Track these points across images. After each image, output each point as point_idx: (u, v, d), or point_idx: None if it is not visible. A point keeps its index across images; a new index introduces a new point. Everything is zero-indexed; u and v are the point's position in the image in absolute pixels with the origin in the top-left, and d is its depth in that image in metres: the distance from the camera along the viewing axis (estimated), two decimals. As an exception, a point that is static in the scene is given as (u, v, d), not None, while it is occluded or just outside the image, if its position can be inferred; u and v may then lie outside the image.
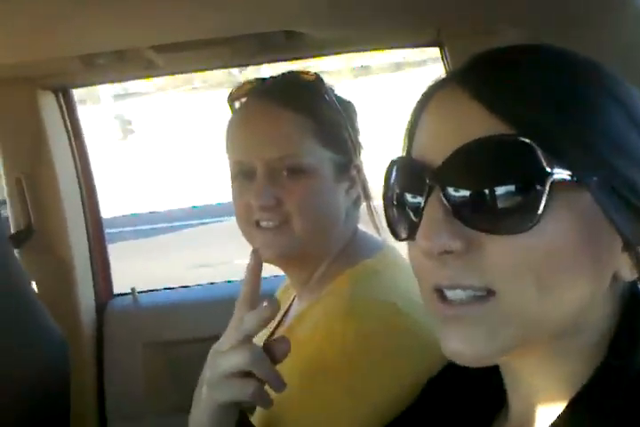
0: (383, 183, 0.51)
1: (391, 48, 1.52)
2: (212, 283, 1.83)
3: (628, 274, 0.46)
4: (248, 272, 0.73)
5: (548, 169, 0.41)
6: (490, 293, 0.44)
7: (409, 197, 0.48)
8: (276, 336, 0.89)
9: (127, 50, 1.28)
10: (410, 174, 0.48)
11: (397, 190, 0.50)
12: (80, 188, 1.64)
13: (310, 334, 0.83)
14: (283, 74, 0.92)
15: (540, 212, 0.41)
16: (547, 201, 0.41)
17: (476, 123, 0.44)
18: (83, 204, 1.65)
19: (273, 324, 0.95)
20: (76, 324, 1.60)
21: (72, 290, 1.61)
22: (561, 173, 0.42)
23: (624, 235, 0.44)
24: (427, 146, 0.47)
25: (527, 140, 0.42)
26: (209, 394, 0.68)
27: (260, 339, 0.95)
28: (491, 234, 0.43)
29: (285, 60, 1.51)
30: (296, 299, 0.95)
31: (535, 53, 0.48)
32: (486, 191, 0.43)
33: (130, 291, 1.71)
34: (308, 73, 0.90)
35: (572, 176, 0.42)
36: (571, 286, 0.44)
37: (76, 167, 1.63)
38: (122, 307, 1.70)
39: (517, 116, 0.43)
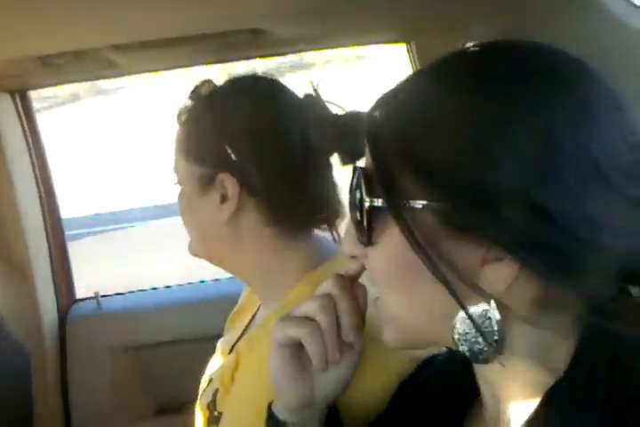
0: None
1: (357, 45, 1.53)
2: (177, 285, 1.81)
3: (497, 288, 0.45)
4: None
5: (366, 197, 0.49)
6: None
7: None
8: (240, 343, 0.89)
9: (87, 49, 1.25)
10: None
11: None
12: (39, 192, 1.60)
13: None
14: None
15: (366, 230, 0.50)
16: (368, 224, 0.50)
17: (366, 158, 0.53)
18: (42, 208, 1.61)
19: (240, 330, 0.93)
20: (38, 332, 1.56)
21: (32, 297, 1.57)
22: (376, 202, 0.49)
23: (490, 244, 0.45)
24: None
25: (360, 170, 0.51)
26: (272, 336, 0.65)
27: (227, 345, 0.94)
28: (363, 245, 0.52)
29: (249, 59, 1.50)
30: (261, 307, 0.93)
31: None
32: (355, 208, 0.51)
33: (93, 295, 1.68)
34: (200, 84, 0.87)
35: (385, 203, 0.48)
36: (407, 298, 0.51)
37: (33, 171, 1.59)
38: (85, 312, 1.66)
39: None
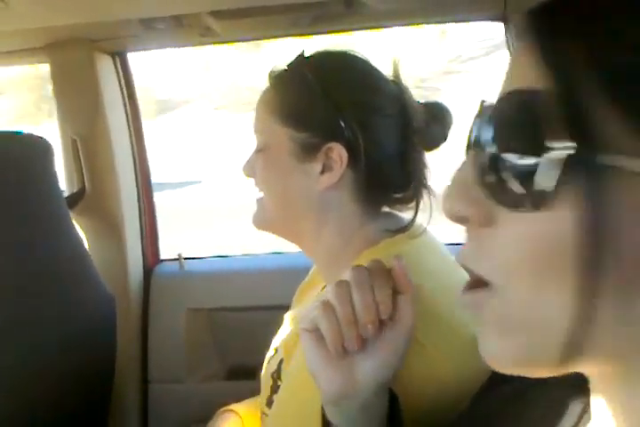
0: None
1: (453, 21, 1.47)
2: (258, 254, 1.84)
3: None
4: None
5: (572, 144, 0.33)
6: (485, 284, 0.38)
7: None
8: None
9: (186, 15, 1.27)
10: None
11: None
12: (132, 152, 1.66)
13: None
14: (299, 54, 0.89)
15: (551, 191, 0.34)
16: (562, 182, 0.33)
17: (524, 72, 0.36)
18: (135, 168, 1.67)
19: (307, 303, 0.94)
20: (123, 285, 1.64)
21: (121, 252, 1.64)
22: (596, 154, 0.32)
23: None
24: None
25: (571, 103, 0.33)
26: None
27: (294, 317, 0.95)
28: (505, 207, 0.36)
29: (344, 31, 1.47)
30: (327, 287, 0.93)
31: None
32: (511, 154, 0.35)
33: (176, 257, 1.74)
34: (303, 54, 0.88)
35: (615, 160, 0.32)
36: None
37: (129, 131, 1.65)
38: (168, 272, 1.73)
39: (564, 71, 0.34)
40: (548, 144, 0.33)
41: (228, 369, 1.67)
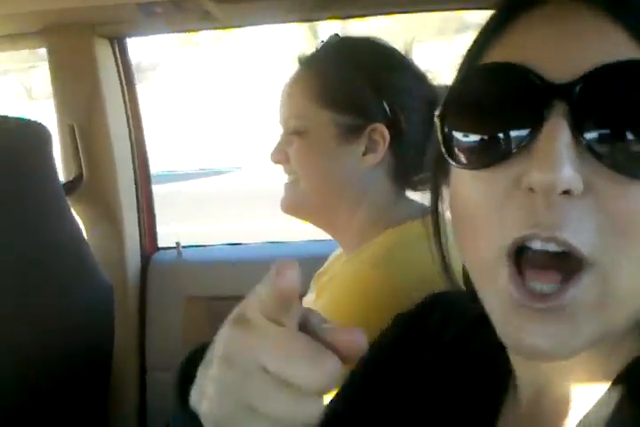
0: (446, 98, 0.42)
1: (477, 8, 1.44)
2: (255, 243, 1.84)
3: None
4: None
5: None
6: (587, 262, 0.36)
7: (501, 113, 0.39)
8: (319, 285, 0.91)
9: (185, -1, 1.25)
10: (509, 85, 0.38)
11: (475, 105, 0.40)
12: (130, 138, 1.64)
13: (342, 278, 0.84)
14: (328, 40, 0.93)
15: None
16: None
17: (612, 44, 0.36)
18: (132, 154, 1.65)
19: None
20: (121, 273, 1.63)
21: (119, 240, 1.63)
22: None
23: None
24: (538, 56, 0.38)
25: None
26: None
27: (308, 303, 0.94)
28: (625, 176, 0.35)
29: (346, 18, 1.45)
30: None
31: None
32: (633, 122, 0.35)
33: (174, 245, 1.73)
34: (338, 37, 0.92)
35: None
36: None
37: (127, 117, 1.63)
38: (166, 260, 1.72)
39: None
40: None
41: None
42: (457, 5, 1.44)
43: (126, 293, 1.64)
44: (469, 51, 0.44)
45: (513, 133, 0.37)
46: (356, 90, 0.85)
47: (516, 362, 0.47)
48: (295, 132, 0.87)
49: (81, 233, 1.38)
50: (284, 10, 1.35)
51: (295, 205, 0.90)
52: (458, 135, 0.40)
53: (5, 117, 1.26)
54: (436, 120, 0.42)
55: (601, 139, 0.35)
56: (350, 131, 0.85)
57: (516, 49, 0.39)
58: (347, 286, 0.79)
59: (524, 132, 0.37)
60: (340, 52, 0.89)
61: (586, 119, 0.36)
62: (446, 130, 0.41)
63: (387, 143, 0.85)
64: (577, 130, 0.35)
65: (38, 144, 1.27)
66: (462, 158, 0.40)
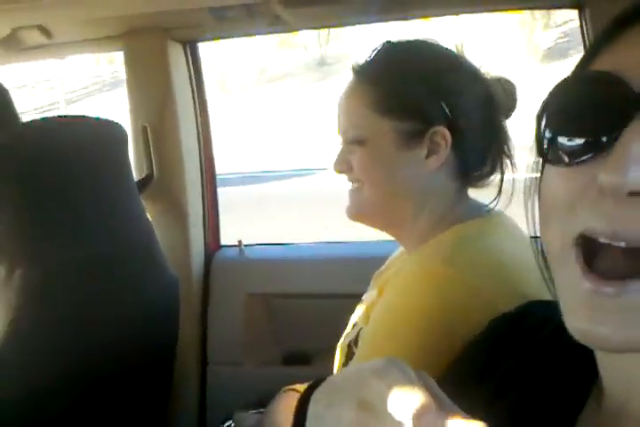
0: (546, 100, 0.45)
1: (527, 8, 1.43)
2: (315, 243, 1.86)
3: None
4: None
5: None
6: None
7: (589, 118, 0.41)
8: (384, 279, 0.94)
9: (256, 4, 1.28)
10: (600, 92, 0.41)
11: (570, 109, 0.43)
12: (198, 140, 1.70)
13: (403, 280, 0.84)
14: (378, 47, 0.93)
15: None
16: None
17: None
18: (200, 155, 1.70)
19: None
20: (186, 269, 1.68)
21: (185, 236, 1.69)
22: None
23: None
24: (630, 65, 0.40)
25: None
26: None
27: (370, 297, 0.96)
28: None
29: (412, 18, 1.45)
30: None
31: None
32: None
33: (237, 243, 1.77)
34: (390, 43, 0.92)
35: None
36: None
37: (196, 120, 1.69)
38: (228, 258, 1.77)
39: None
40: None
41: (284, 355, 1.69)
42: (517, 5, 1.43)
43: (190, 288, 1.69)
44: (582, 57, 0.47)
45: (597, 137, 0.40)
46: (413, 95, 0.86)
47: (603, 363, 0.48)
48: (356, 142, 0.88)
49: (152, 230, 1.44)
50: (352, 12, 1.37)
51: (361, 211, 0.92)
52: (548, 134, 0.44)
53: (85, 117, 1.32)
54: (535, 118, 0.45)
55: None
56: (412, 136, 0.86)
57: (613, 60, 0.42)
58: (418, 283, 0.79)
59: (605, 137, 0.39)
60: (393, 58, 0.89)
61: None
62: (541, 128, 0.44)
63: (449, 145, 0.86)
64: None
65: (116, 143, 1.33)
66: (553, 155, 0.43)
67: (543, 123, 0.44)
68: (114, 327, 1.24)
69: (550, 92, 0.44)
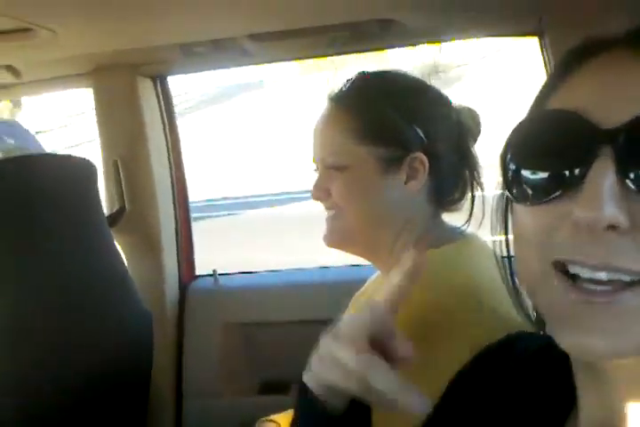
0: (508, 139, 0.46)
1: (487, 36, 1.49)
2: (290, 269, 1.87)
3: None
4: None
5: None
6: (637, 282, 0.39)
7: (555, 155, 0.42)
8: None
9: (224, 39, 1.31)
10: (564, 130, 0.42)
11: (535, 147, 0.44)
12: (171, 172, 1.71)
13: None
14: (353, 76, 0.96)
15: None
16: None
17: None
18: (172, 188, 1.71)
19: None
20: (160, 302, 1.67)
21: (158, 269, 1.68)
22: None
23: None
24: (592, 103, 0.42)
25: None
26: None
27: None
28: None
29: (379, 50, 1.50)
30: None
31: None
32: None
33: (212, 273, 1.77)
34: (365, 73, 0.95)
35: None
36: None
37: (168, 151, 1.70)
38: (203, 288, 1.76)
39: None
40: None
41: (262, 384, 1.68)
42: (478, 34, 1.48)
43: (164, 320, 1.68)
44: (538, 94, 0.48)
45: (564, 175, 0.41)
46: (391, 122, 0.88)
47: (580, 382, 0.49)
48: (336, 168, 0.89)
49: (123, 263, 1.44)
50: (321, 45, 1.41)
51: (341, 238, 0.93)
52: (515, 173, 0.45)
53: (54, 155, 1.33)
54: (499, 158, 0.46)
55: None
56: (391, 162, 0.88)
57: (572, 96, 0.44)
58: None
59: (573, 174, 0.41)
60: (369, 87, 0.92)
61: (630, 162, 0.39)
62: (507, 167, 0.45)
63: (427, 170, 0.88)
64: (622, 172, 0.39)
65: (85, 179, 1.33)
66: (519, 194, 0.44)
67: (507, 162, 0.45)
68: (82, 365, 1.23)
69: (513, 131, 0.46)
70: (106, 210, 1.64)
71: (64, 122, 14.16)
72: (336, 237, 0.93)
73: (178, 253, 1.75)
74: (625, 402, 0.45)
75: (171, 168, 1.70)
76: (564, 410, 0.52)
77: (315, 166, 0.96)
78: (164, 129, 1.67)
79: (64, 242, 1.26)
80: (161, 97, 1.66)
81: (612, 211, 0.38)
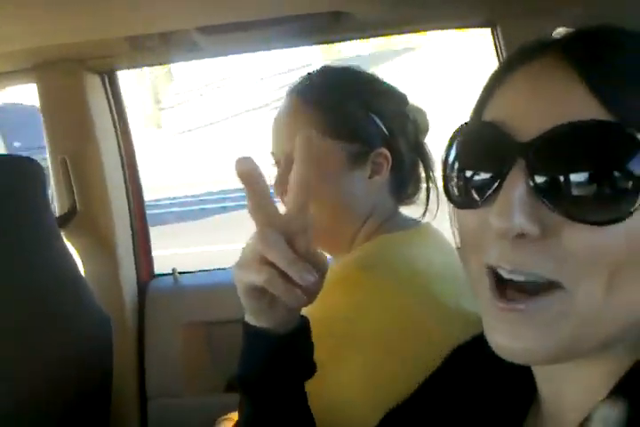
0: (447, 147, 0.48)
1: (440, 29, 1.49)
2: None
3: None
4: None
5: None
6: (553, 285, 0.41)
7: (480, 165, 0.45)
8: None
9: (173, 32, 1.28)
10: (487, 141, 0.45)
11: (466, 156, 0.47)
12: (123, 169, 1.66)
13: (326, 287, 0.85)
14: (316, 71, 0.97)
15: (636, 206, 0.39)
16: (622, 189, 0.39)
17: (575, 102, 0.41)
18: (125, 185, 1.67)
19: None
20: (118, 303, 1.63)
21: (114, 270, 1.64)
22: None
23: None
24: (511, 115, 0.44)
25: (633, 132, 0.39)
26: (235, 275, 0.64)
27: None
28: (576, 222, 0.40)
29: (330, 42, 1.49)
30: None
31: (637, 37, 0.45)
32: (580, 177, 0.40)
33: (171, 271, 1.74)
34: (327, 67, 0.97)
35: None
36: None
37: (119, 149, 1.65)
38: (163, 287, 1.73)
39: (621, 104, 0.41)
40: (630, 168, 0.39)
41: (226, 382, 1.66)
42: (430, 26, 1.49)
43: (124, 321, 1.64)
44: (478, 99, 0.50)
45: (484, 185, 0.44)
46: (355, 118, 0.89)
47: (537, 377, 0.51)
48: None
49: (76, 266, 1.39)
50: (272, 38, 1.39)
51: None
52: (448, 178, 0.48)
53: (-2, 155, 1.27)
54: (441, 162, 0.49)
55: (553, 190, 0.41)
56: (357, 157, 0.89)
57: (501, 107, 0.46)
58: (332, 286, 0.79)
59: (492, 184, 0.43)
60: (332, 82, 0.93)
61: (539, 174, 0.41)
62: (445, 170, 0.49)
63: (390, 165, 0.90)
64: (533, 183, 0.41)
65: (31, 180, 1.28)
66: (452, 197, 0.48)
67: (445, 166, 0.48)
68: (39, 369, 1.19)
69: (450, 137, 0.48)
70: (57, 210, 1.60)
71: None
72: None
73: (134, 253, 1.71)
74: (574, 396, 0.47)
75: (123, 165, 1.66)
76: (527, 403, 0.54)
77: (273, 161, 0.94)
78: (115, 126, 1.63)
79: (11, 248, 1.21)
80: (110, 93, 1.61)
81: (520, 221, 0.40)
